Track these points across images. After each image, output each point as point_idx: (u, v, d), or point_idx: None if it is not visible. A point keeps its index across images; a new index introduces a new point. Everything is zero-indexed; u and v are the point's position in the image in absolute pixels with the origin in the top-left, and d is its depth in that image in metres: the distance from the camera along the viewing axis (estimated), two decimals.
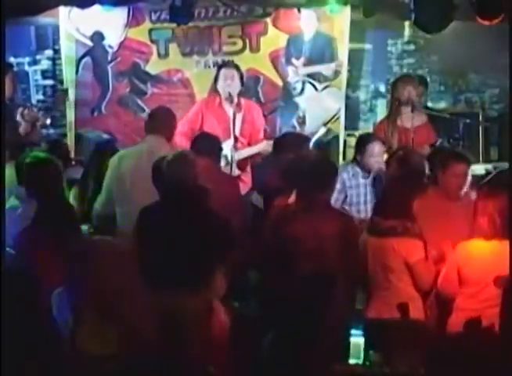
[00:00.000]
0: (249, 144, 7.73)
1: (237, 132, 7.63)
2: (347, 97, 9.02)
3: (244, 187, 7.49)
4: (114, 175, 6.34)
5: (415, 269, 5.35)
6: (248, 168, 7.78)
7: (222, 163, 7.35)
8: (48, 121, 7.66)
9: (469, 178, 5.97)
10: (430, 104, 8.39)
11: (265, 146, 7.57)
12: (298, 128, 8.61)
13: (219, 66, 8.06)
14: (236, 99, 7.67)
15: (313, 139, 8.05)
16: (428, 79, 9.00)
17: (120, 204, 6.27)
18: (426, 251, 5.40)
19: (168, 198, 5.43)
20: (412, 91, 7.53)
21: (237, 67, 7.90)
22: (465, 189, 5.94)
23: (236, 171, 7.51)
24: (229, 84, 7.70)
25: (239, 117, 7.60)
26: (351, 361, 4.76)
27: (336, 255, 5.42)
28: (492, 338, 3.96)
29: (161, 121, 6.60)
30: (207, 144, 6.58)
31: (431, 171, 6.20)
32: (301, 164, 5.89)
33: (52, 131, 8.87)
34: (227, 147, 7.54)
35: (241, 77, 7.81)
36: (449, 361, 3.70)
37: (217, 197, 5.49)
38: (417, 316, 5.29)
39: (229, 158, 7.53)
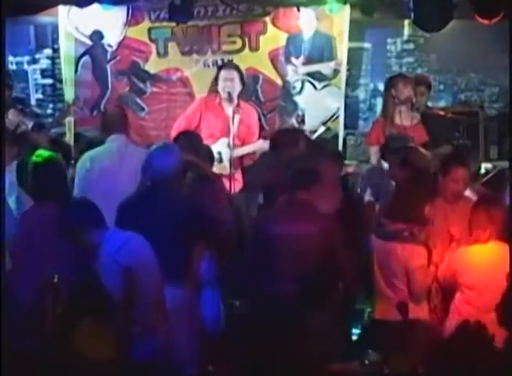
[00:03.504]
0: (243, 145, 7.77)
1: (234, 132, 7.65)
2: (347, 96, 9.01)
3: (237, 185, 7.52)
4: (88, 178, 6.35)
5: (413, 275, 5.33)
6: (242, 167, 7.81)
7: (215, 161, 7.40)
8: (30, 125, 7.64)
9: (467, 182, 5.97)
10: (429, 103, 8.38)
11: (261, 145, 7.61)
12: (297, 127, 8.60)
13: (219, 68, 8.09)
14: (236, 100, 7.71)
15: (312, 138, 8.08)
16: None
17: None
18: (429, 258, 5.38)
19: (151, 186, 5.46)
20: (412, 90, 7.55)
21: (237, 68, 7.92)
22: (464, 193, 5.93)
23: (232, 170, 7.51)
24: (229, 85, 7.73)
25: (237, 118, 7.62)
26: None
27: (319, 256, 5.43)
28: (487, 341, 3.95)
29: (118, 120, 6.72)
30: (187, 142, 6.59)
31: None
32: (288, 164, 5.93)
33: (51, 130, 8.83)
34: (223, 145, 7.58)
35: (241, 78, 7.83)
36: (448, 362, 3.70)
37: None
38: (419, 317, 5.27)
39: (224, 156, 7.56)
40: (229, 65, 8.16)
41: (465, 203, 5.76)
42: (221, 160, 7.59)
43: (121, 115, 6.83)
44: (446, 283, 5.40)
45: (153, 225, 5.20)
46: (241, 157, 7.82)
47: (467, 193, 5.99)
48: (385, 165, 6.75)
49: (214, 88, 8.10)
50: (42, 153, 5.87)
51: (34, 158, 5.75)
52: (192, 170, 5.86)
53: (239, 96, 7.82)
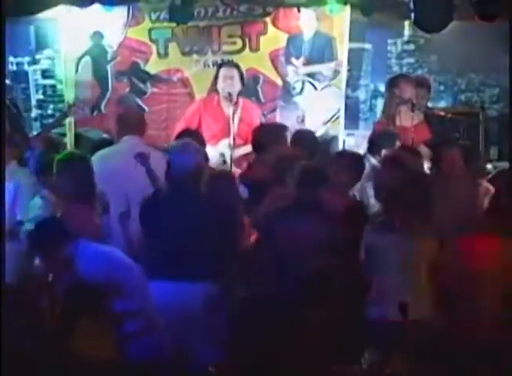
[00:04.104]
0: (245, 144, 7.74)
1: (234, 131, 7.65)
2: (347, 97, 9.01)
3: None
4: (97, 177, 6.36)
5: (439, 269, 5.31)
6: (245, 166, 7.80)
7: (218, 161, 7.39)
8: None
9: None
10: (430, 104, 8.38)
11: None
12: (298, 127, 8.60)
13: (219, 66, 8.09)
14: (235, 98, 7.69)
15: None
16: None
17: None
18: (444, 253, 5.37)
19: (174, 185, 5.45)
20: (413, 90, 7.56)
21: (237, 67, 7.92)
22: (461, 170, 5.96)
23: (234, 169, 7.50)
24: (229, 83, 7.74)
25: (236, 116, 7.62)
26: None
27: (328, 253, 5.42)
28: (492, 338, 3.96)
29: (134, 121, 6.72)
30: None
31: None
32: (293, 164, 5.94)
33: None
34: (225, 146, 7.57)
35: (241, 77, 7.83)
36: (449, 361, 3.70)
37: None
38: (421, 316, 5.27)
39: (227, 157, 7.55)
40: (230, 63, 8.18)
41: (471, 196, 5.75)
42: (224, 162, 7.58)
43: (139, 117, 6.84)
44: (456, 279, 5.36)
45: (181, 223, 5.25)
46: (244, 156, 7.79)
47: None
48: (372, 160, 6.77)
49: (213, 87, 8.09)
50: (70, 151, 5.92)
51: (65, 156, 5.80)
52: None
53: (238, 95, 7.82)
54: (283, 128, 7.16)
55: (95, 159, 6.50)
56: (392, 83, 7.78)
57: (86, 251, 4.79)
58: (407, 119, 7.53)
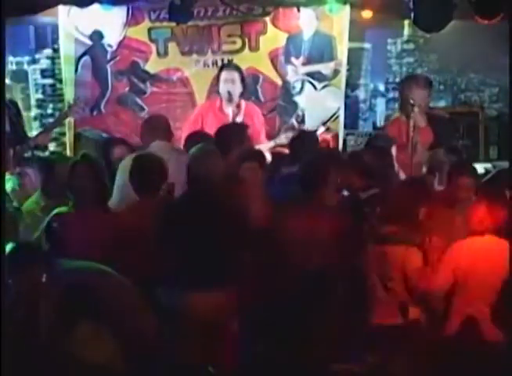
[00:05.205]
0: None
1: None
2: (347, 96, 9.01)
3: None
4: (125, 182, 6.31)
5: (411, 277, 5.28)
6: None
7: None
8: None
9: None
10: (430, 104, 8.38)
11: (269, 146, 7.58)
12: (297, 127, 8.61)
13: (220, 68, 8.08)
14: (236, 101, 7.68)
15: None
16: None
17: None
18: (425, 259, 5.34)
19: (197, 192, 5.44)
20: (425, 93, 7.51)
21: (238, 69, 7.91)
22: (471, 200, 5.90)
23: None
24: (230, 86, 7.71)
25: (239, 119, 7.60)
26: None
27: (331, 253, 5.43)
28: (488, 339, 3.95)
29: (161, 126, 6.67)
30: (197, 142, 6.57)
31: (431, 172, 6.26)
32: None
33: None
34: None
35: (242, 79, 7.82)
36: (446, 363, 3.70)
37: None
38: (414, 319, 5.27)
39: None
40: (230, 66, 8.15)
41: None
42: None
43: (165, 124, 6.78)
44: (447, 283, 5.35)
45: (206, 228, 5.21)
46: None
47: None
48: None
49: (214, 89, 8.09)
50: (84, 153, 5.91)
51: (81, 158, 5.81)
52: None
53: (240, 97, 7.81)
54: (243, 127, 7.10)
55: (127, 161, 6.43)
56: (408, 83, 7.69)
57: (57, 267, 4.73)
58: (417, 120, 7.44)
